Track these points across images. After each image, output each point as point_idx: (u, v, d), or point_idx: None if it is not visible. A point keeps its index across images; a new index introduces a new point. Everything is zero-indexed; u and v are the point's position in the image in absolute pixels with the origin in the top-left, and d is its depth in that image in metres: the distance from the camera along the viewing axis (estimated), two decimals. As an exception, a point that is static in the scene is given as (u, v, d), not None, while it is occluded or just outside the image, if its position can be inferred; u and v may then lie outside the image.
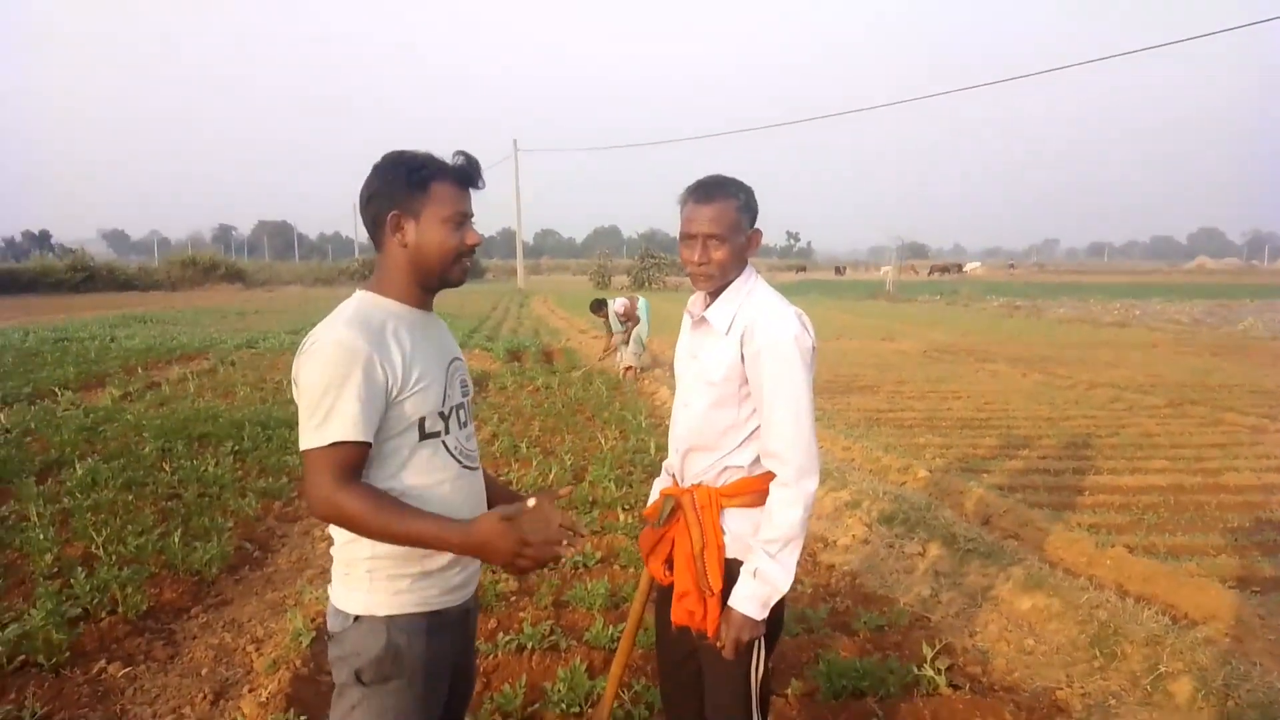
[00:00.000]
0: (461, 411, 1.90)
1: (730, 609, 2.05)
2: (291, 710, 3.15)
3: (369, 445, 1.70)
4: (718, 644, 2.08)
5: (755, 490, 2.12)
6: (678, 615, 2.16)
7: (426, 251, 1.79)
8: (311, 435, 1.67)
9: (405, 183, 1.77)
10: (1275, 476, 6.67)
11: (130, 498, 5.64)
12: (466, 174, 1.83)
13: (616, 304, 12.07)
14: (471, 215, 1.85)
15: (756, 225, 2.18)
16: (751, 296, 2.14)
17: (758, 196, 2.18)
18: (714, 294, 2.18)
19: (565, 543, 1.74)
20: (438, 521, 1.70)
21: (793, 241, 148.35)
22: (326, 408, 1.65)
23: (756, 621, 2.04)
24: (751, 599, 2.03)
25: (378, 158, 1.82)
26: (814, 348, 2.10)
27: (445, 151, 1.84)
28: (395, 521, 1.67)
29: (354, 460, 1.68)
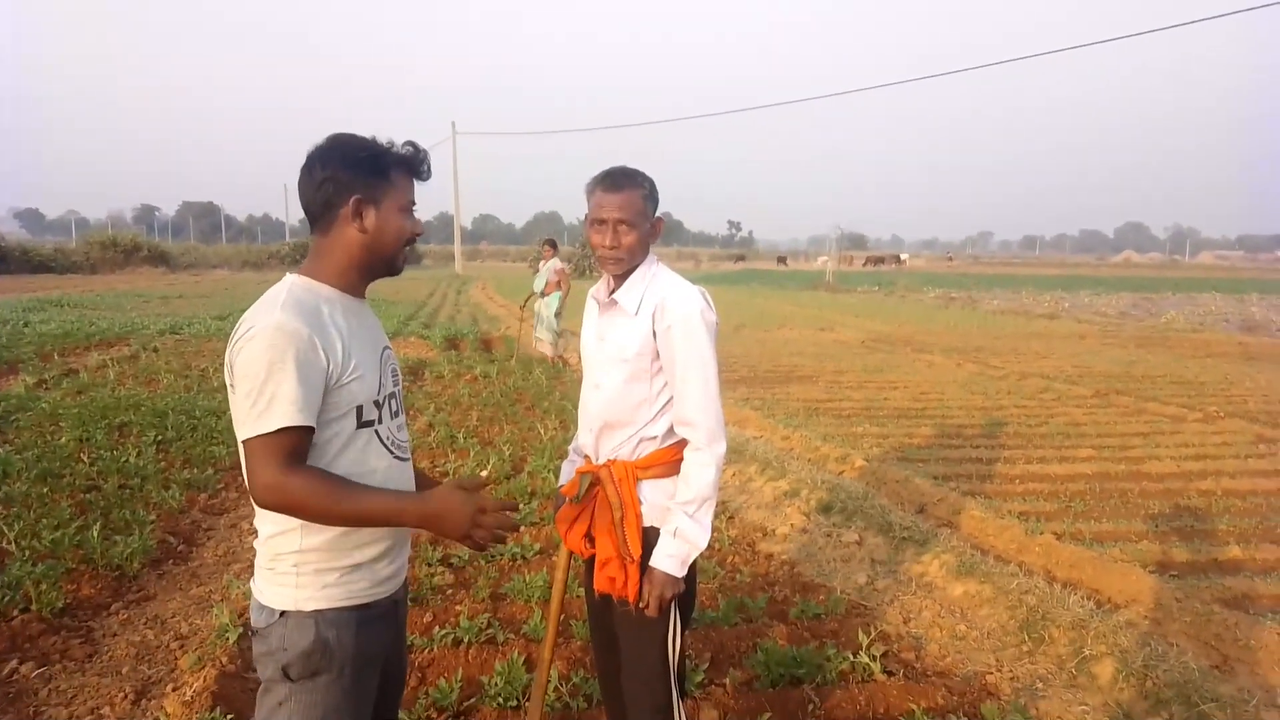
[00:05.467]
0: (393, 401, 1.89)
1: (652, 568, 2.17)
2: (218, 709, 3.05)
3: (313, 430, 1.67)
4: (639, 605, 2.18)
5: (668, 461, 2.25)
6: (600, 583, 2.25)
7: (384, 238, 1.81)
8: (254, 423, 1.62)
9: (368, 168, 1.77)
10: (1193, 464, 6.95)
11: (46, 490, 5.38)
12: (418, 164, 1.86)
13: (555, 262, 11.79)
14: (415, 204, 1.87)
15: (658, 214, 2.31)
16: (657, 279, 2.26)
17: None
18: (619, 279, 2.29)
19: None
20: (391, 495, 1.73)
21: (734, 231, 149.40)
22: (270, 394, 1.61)
23: (677, 579, 2.17)
24: (672, 557, 2.16)
25: (312, 139, 1.79)
26: (717, 322, 2.24)
27: (380, 135, 1.83)
28: (348, 500, 1.66)
29: (299, 445, 1.65)
